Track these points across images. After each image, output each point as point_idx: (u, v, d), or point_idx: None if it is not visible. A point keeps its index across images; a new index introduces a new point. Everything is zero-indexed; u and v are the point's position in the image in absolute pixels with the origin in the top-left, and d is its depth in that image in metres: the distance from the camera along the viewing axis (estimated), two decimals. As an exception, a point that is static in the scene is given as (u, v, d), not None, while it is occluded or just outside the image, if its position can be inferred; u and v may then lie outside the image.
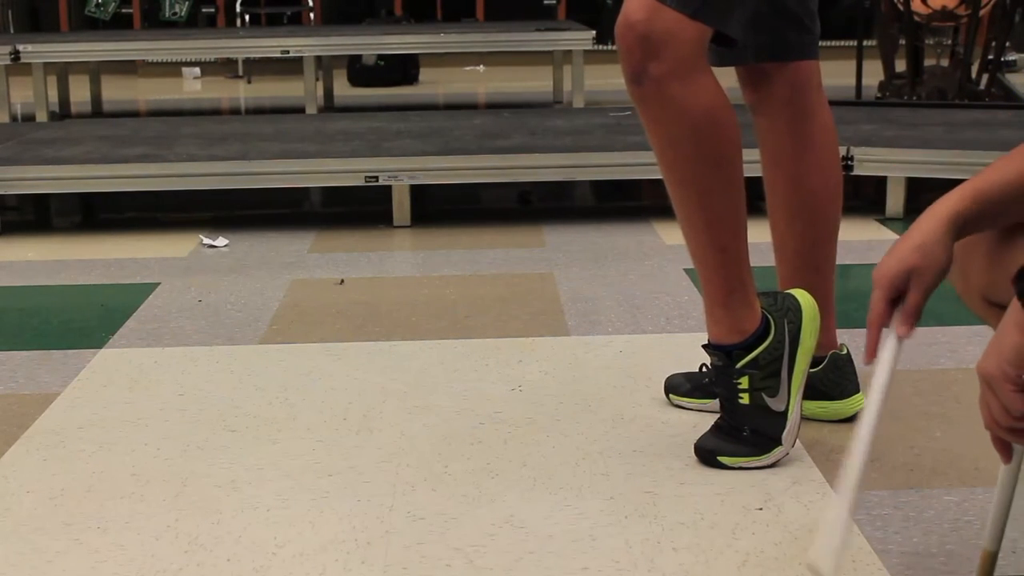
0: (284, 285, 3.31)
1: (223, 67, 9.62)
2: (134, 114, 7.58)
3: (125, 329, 2.92)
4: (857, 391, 2.23)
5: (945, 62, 5.83)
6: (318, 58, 7.12)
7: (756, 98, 2.19)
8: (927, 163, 3.91)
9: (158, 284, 3.34)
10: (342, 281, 3.34)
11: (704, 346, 2.06)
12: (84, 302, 3.22)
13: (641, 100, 1.91)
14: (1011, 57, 6.91)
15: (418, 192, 4.14)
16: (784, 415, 2.01)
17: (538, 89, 8.05)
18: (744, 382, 2.00)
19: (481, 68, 9.68)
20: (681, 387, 2.31)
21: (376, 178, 4.00)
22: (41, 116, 6.65)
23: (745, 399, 2.01)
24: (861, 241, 3.70)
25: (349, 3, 10.21)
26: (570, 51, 6.86)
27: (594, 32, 6.89)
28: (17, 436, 2.23)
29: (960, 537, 1.78)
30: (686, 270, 3.33)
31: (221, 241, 3.84)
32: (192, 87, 9.21)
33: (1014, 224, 1.40)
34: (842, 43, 8.42)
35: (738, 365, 2.00)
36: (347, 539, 1.80)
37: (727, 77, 2.08)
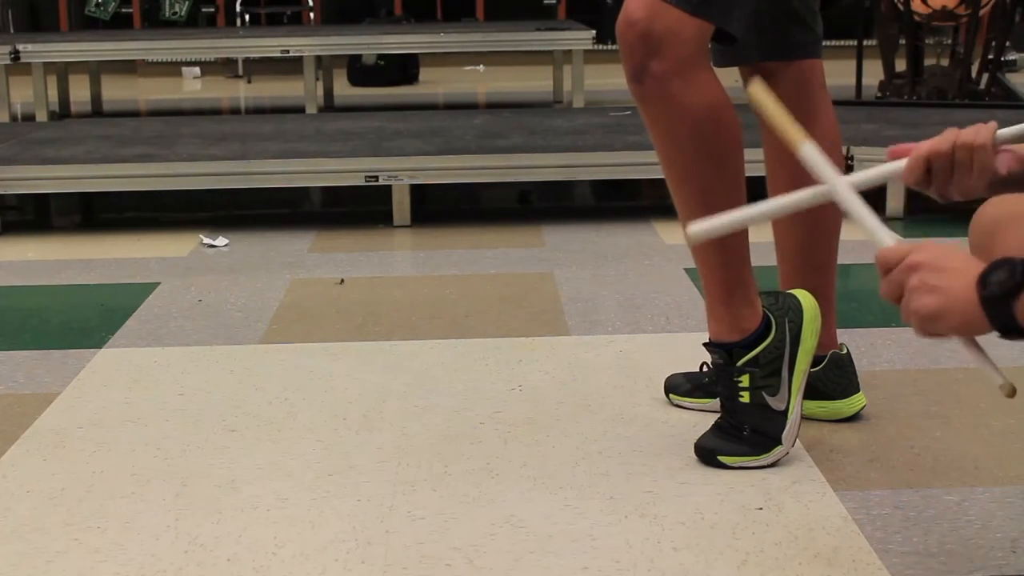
0: (284, 285, 3.31)
1: (223, 67, 9.61)
2: (134, 114, 7.57)
3: (125, 329, 2.92)
4: (857, 390, 2.23)
5: (945, 62, 5.83)
6: (318, 58, 7.12)
7: (759, 97, 2.18)
8: (927, 163, 3.90)
9: (158, 284, 3.34)
10: (342, 281, 3.34)
11: (705, 344, 2.06)
12: (84, 302, 3.22)
13: (642, 98, 1.91)
14: (1011, 57, 6.89)
15: (418, 192, 4.13)
16: (784, 414, 2.01)
17: (538, 89, 8.04)
18: (745, 380, 2.00)
19: (481, 68, 9.67)
20: (681, 387, 2.31)
21: (376, 178, 4.00)
22: (41, 116, 6.65)
23: (745, 398, 2.01)
24: (861, 241, 3.68)
25: (349, 3, 10.21)
26: (570, 51, 6.85)
27: (594, 32, 6.88)
28: (17, 436, 2.23)
29: (960, 537, 1.78)
30: (686, 270, 3.33)
31: (221, 241, 3.84)
32: (192, 87, 9.20)
33: None
34: (842, 43, 8.42)
35: (739, 363, 2.00)
36: (347, 539, 1.80)
37: (729, 75, 2.08)
